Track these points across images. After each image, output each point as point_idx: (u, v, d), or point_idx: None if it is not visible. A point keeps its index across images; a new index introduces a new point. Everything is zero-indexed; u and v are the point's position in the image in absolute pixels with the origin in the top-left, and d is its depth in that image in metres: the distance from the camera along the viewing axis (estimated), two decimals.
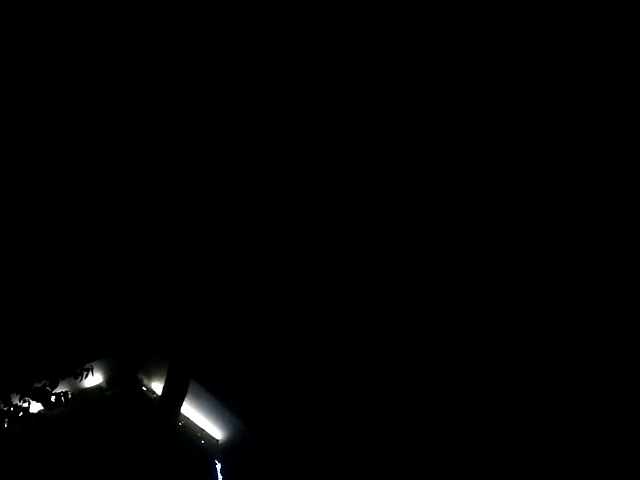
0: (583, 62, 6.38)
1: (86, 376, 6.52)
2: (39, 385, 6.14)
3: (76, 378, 6.47)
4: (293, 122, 7.14)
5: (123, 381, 7.33)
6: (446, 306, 8.02)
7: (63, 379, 6.24)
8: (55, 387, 6.16)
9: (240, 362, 7.94)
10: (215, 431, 8.19)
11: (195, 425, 7.99)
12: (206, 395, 7.59)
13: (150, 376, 7.60)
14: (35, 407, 7.13)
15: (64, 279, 7.17)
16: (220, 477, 7.95)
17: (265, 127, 7.19)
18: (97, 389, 7.46)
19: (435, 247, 7.80)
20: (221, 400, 7.66)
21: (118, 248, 7.47)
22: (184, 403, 7.46)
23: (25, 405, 6.15)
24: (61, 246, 7.18)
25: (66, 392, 6.95)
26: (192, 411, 7.90)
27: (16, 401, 6.08)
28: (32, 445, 7.25)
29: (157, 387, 7.60)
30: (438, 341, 7.91)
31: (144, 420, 7.23)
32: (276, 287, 8.07)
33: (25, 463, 7.09)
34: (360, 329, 8.23)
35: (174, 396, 7.19)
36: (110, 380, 7.42)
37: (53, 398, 6.94)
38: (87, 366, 6.50)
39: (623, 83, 6.37)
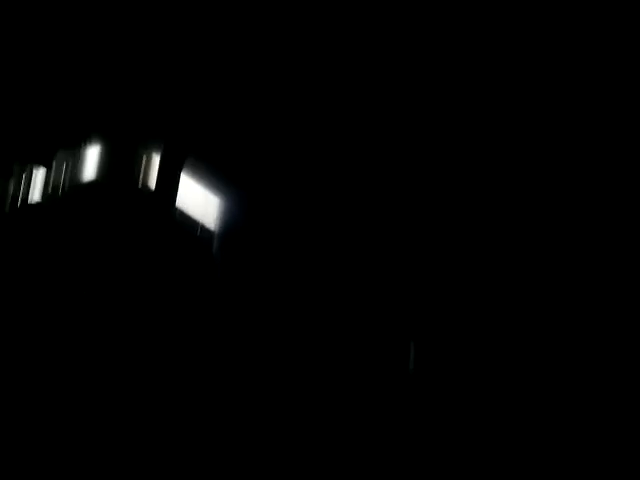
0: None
1: (85, 148, 6.56)
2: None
3: (74, 151, 6.53)
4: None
5: (117, 172, 7.41)
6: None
7: (61, 152, 6.28)
8: (54, 159, 6.23)
9: (235, 146, 8.08)
10: (211, 221, 8.62)
11: (190, 217, 8.33)
12: (200, 184, 7.80)
13: (144, 166, 7.66)
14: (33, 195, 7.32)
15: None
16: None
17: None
18: (92, 182, 7.55)
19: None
20: (216, 188, 7.89)
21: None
22: (178, 194, 7.76)
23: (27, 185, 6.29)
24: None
25: (63, 182, 7.08)
26: (186, 202, 8.16)
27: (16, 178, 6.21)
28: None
29: (151, 178, 7.74)
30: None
31: (140, 213, 7.52)
32: None
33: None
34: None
35: (168, 186, 7.43)
36: (104, 171, 7.48)
37: (50, 188, 7.10)
38: (86, 139, 6.47)
39: (623, 83, 6.04)
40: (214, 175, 7.91)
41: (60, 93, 6.75)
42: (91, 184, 7.51)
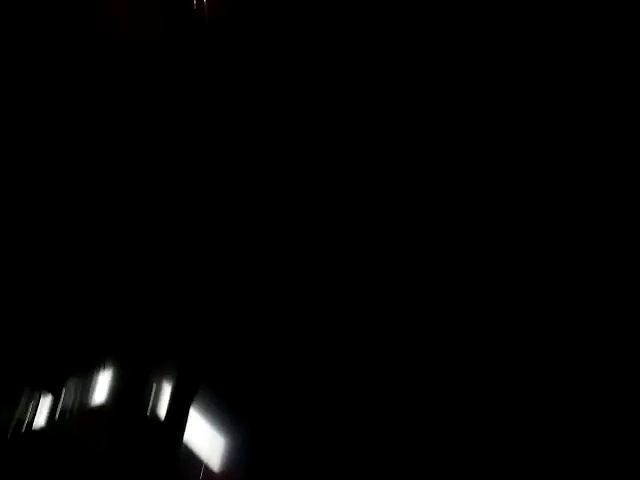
0: (583, 62, 6.58)
1: (98, 373, 6.54)
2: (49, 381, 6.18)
3: (86, 375, 6.50)
4: (292, 121, 7.14)
5: (127, 398, 7.25)
6: (446, 305, 7.85)
7: (73, 376, 6.28)
8: (65, 383, 6.18)
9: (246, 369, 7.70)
10: (215, 462, 7.80)
11: (196, 457, 7.66)
12: (208, 419, 7.36)
13: (155, 394, 7.49)
14: (38, 420, 7.12)
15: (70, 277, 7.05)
16: None
17: (265, 126, 7.25)
18: (102, 407, 7.38)
19: (435, 246, 7.78)
20: (224, 426, 7.38)
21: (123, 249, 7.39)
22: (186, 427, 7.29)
23: (33, 411, 6.17)
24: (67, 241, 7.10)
25: (72, 407, 6.95)
26: (193, 436, 7.61)
27: (23, 405, 6.12)
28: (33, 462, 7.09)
29: (163, 401, 7.45)
30: (438, 340, 7.71)
31: (146, 442, 7.08)
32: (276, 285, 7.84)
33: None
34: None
35: (177, 418, 7.05)
36: (114, 397, 7.35)
37: (58, 412, 6.94)
38: (100, 362, 6.52)
39: (623, 83, 6.48)
40: (223, 411, 7.53)
41: (73, 314, 6.98)
42: (98, 409, 7.33)
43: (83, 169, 7.20)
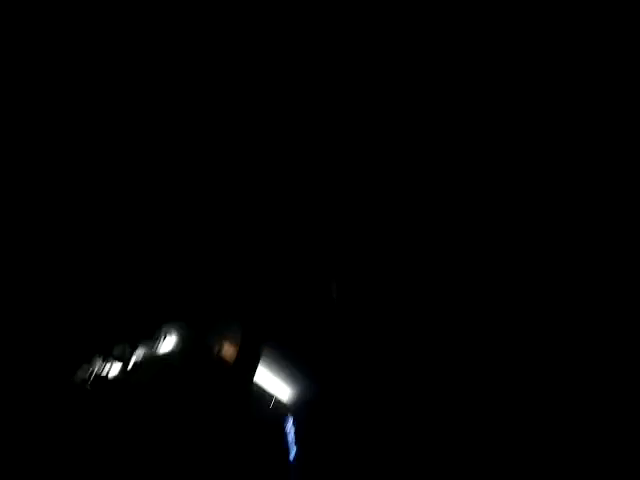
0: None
1: (163, 339, 6.65)
2: (119, 349, 6.33)
3: (153, 341, 6.62)
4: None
5: (196, 348, 7.43)
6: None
7: (141, 343, 6.40)
8: (135, 350, 6.33)
9: (308, 325, 7.88)
10: (285, 395, 8.29)
11: (266, 391, 8.09)
12: (277, 360, 7.61)
13: (222, 343, 7.66)
14: (112, 373, 7.37)
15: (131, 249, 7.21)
16: (292, 438, 8.08)
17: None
18: (171, 356, 7.62)
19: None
20: (291, 364, 7.67)
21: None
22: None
23: (107, 369, 6.37)
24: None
25: (142, 360, 7.11)
26: (262, 376, 7.97)
27: (98, 365, 6.32)
28: (109, 412, 7.54)
29: (229, 353, 7.68)
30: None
31: (218, 388, 7.34)
32: None
33: (102, 430, 7.38)
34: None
35: (248, 363, 7.24)
36: (183, 347, 7.54)
37: (130, 365, 7.15)
38: (163, 329, 6.62)
39: (623, 83, 6.04)
40: (290, 351, 7.75)
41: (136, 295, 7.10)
42: (170, 358, 7.56)
43: None
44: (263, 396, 8.08)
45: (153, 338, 6.73)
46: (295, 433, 8.07)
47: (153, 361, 7.46)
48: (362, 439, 7.63)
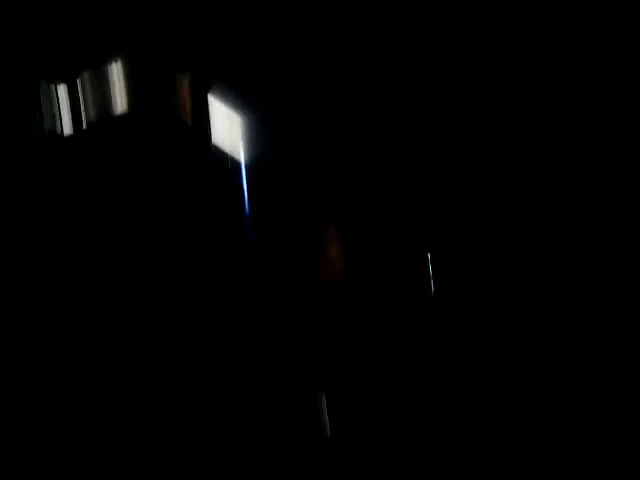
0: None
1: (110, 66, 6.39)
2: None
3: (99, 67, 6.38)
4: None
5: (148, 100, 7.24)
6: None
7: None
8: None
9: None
10: (237, 146, 8.56)
11: (221, 148, 8.30)
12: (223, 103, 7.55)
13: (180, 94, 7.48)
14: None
15: None
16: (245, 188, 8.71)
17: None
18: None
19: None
20: (239, 107, 7.63)
21: None
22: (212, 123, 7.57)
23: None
24: None
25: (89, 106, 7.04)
26: (219, 131, 8.07)
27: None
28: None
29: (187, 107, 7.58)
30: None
31: (174, 142, 7.51)
32: None
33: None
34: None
35: (204, 118, 7.24)
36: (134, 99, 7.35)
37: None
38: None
39: (623, 83, 4.32)
40: (235, 93, 7.52)
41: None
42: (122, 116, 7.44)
43: None
44: (219, 154, 8.31)
45: (99, 67, 6.38)
46: (247, 184, 8.59)
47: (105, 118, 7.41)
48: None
